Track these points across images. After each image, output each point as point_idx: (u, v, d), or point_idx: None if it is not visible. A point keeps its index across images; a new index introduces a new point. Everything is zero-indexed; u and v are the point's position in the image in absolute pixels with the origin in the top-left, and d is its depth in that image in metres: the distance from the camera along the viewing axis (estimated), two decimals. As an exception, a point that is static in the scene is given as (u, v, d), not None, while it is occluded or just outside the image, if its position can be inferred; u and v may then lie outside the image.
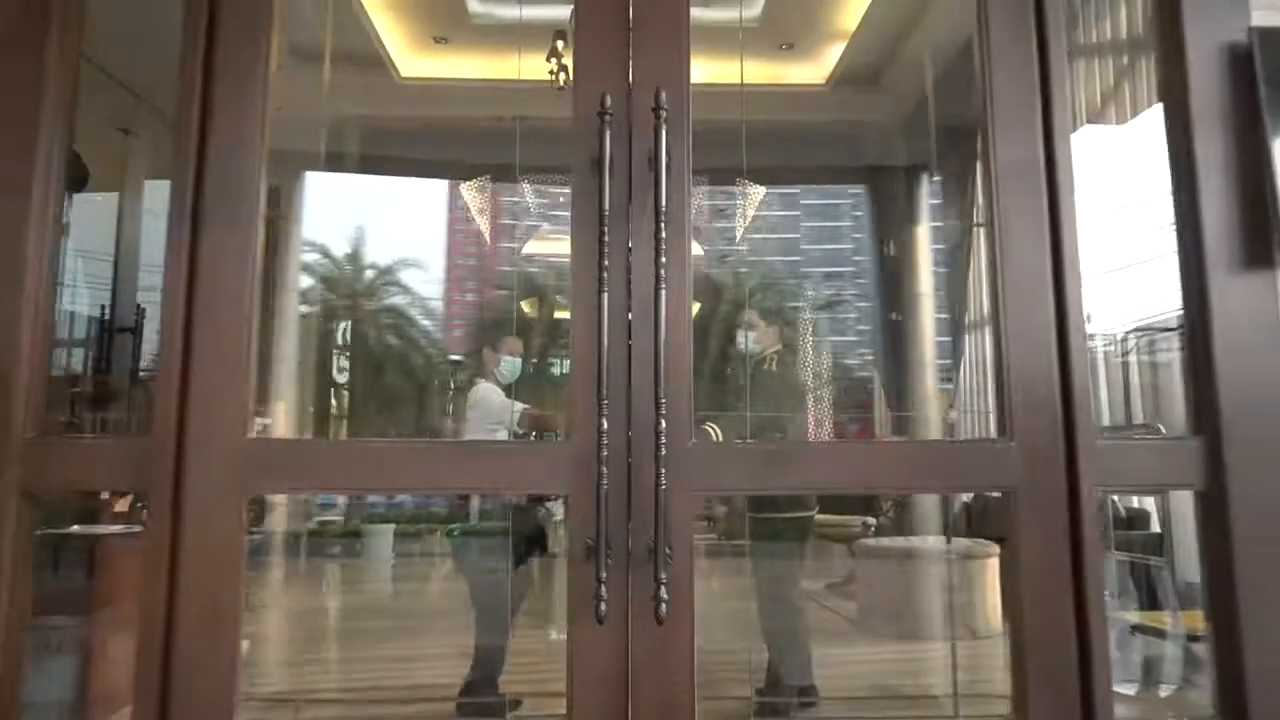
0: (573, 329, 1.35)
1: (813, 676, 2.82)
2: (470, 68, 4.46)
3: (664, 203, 1.32)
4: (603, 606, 1.18)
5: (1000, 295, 1.38)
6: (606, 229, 1.30)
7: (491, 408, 3.30)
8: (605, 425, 1.24)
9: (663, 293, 1.31)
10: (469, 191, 4.75)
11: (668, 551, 1.25)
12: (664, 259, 1.31)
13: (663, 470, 1.25)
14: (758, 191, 6.03)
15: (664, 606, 1.21)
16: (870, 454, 1.45)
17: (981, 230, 1.51)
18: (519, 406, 3.34)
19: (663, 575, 1.23)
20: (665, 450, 1.26)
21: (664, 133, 1.33)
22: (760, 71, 4.56)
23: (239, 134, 1.38)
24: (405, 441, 1.46)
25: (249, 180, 1.38)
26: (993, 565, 3.35)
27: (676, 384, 1.32)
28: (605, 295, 1.29)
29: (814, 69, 4.65)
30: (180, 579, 1.26)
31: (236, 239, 1.36)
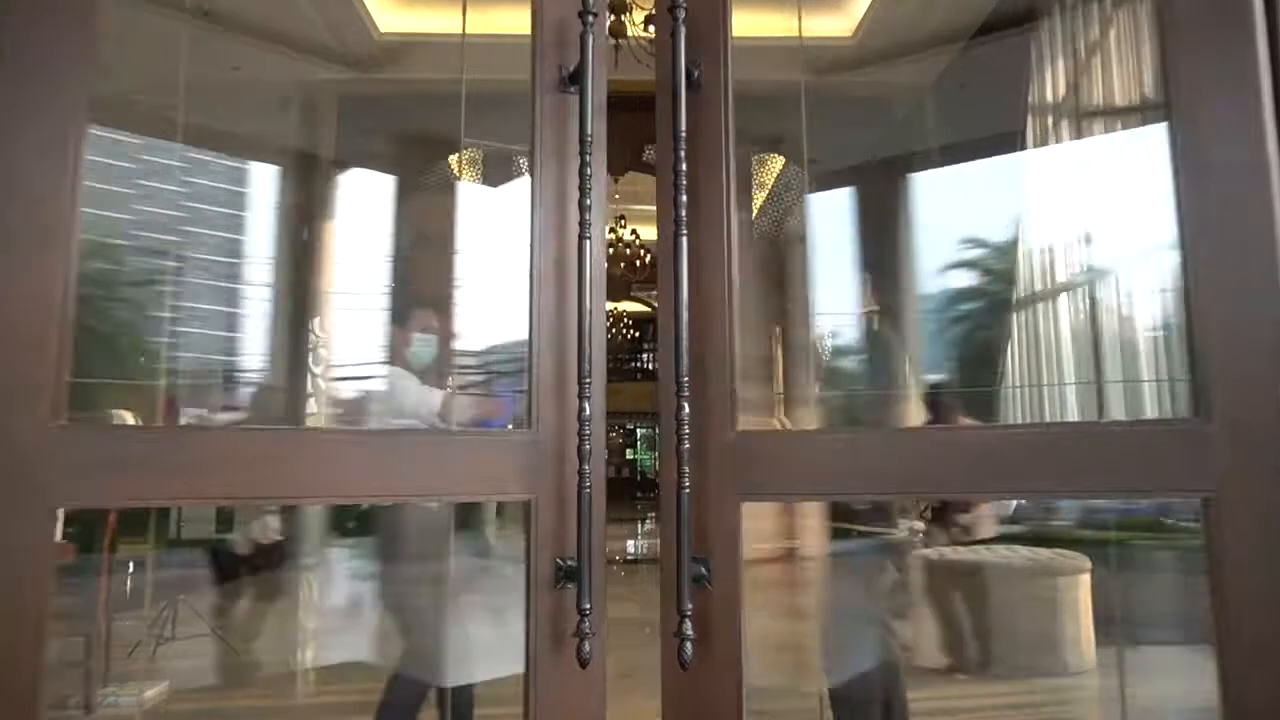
0: (535, 288, 1.16)
1: None
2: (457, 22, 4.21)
3: (682, 127, 1.12)
4: (587, 646, 1.00)
5: (1188, 216, 1.05)
6: (589, 158, 1.11)
7: (406, 397, 2.80)
8: (588, 411, 1.06)
9: (683, 241, 1.11)
10: (457, 166, 4.48)
11: (704, 573, 1.07)
12: (684, 198, 1.11)
13: (686, 469, 1.05)
14: (776, 161, 5.76)
15: (688, 647, 1.01)
16: (995, 444, 1.09)
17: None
18: (439, 395, 2.80)
19: (688, 606, 1.02)
20: (689, 443, 1.06)
21: (682, 37, 1.12)
22: (777, 23, 4.31)
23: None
24: (302, 431, 1.17)
25: (62, 68, 1.08)
26: (1083, 583, 3.01)
27: (712, 356, 1.13)
28: (589, 244, 1.10)
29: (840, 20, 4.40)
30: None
31: (47, 153, 1.06)
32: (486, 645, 2.49)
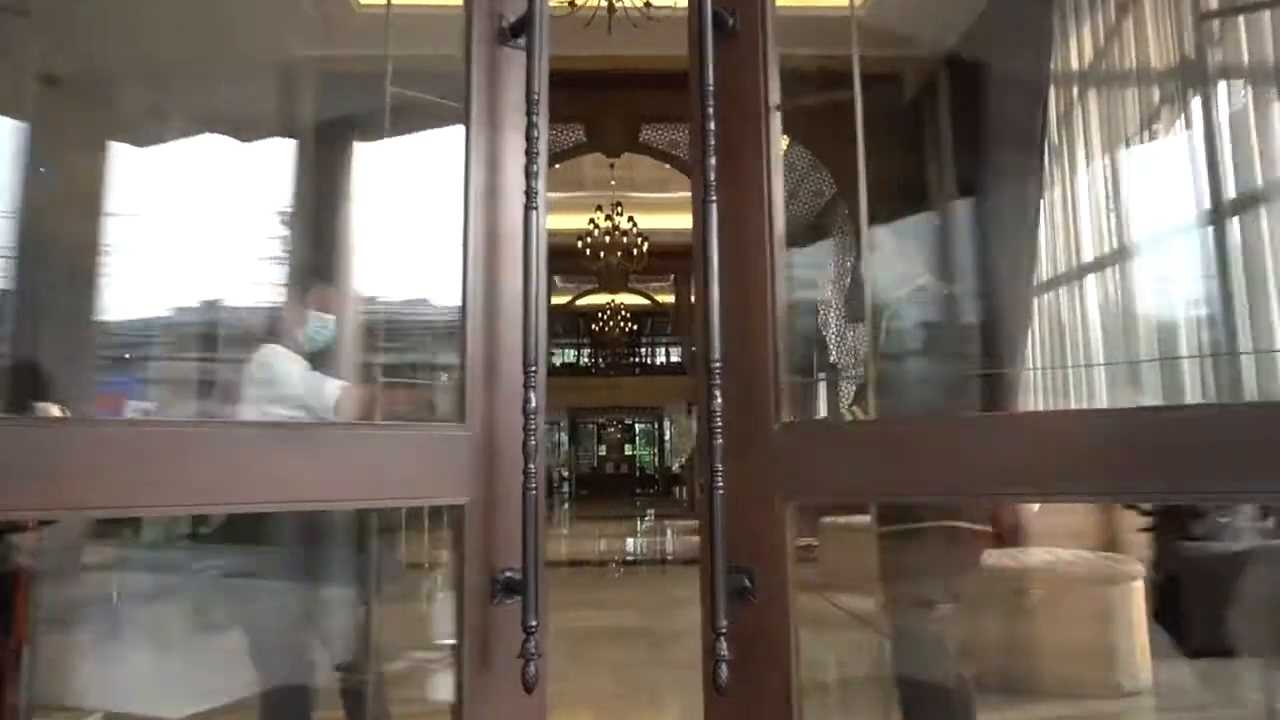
0: (468, 264, 1.08)
1: None
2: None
3: (710, 80, 1.04)
4: (533, 668, 0.94)
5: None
6: (537, 119, 1.03)
7: (289, 382, 2.41)
8: (534, 402, 0.99)
9: (712, 207, 1.03)
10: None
11: (747, 585, 1.00)
12: (713, 160, 1.03)
13: (719, 466, 0.98)
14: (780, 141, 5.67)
15: (724, 669, 0.93)
16: (1113, 431, 0.86)
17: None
18: (336, 385, 2.42)
19: (723, 623, 0.95)
20: (720, 438, 0.98)
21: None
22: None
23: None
24: (196, 426, 1.04)
25: None
26: (1138, 591, 2.89)
27: (751, 338, 1.06)
28: (536, 215, 1.03)
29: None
30: None
31: None
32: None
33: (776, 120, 1.11)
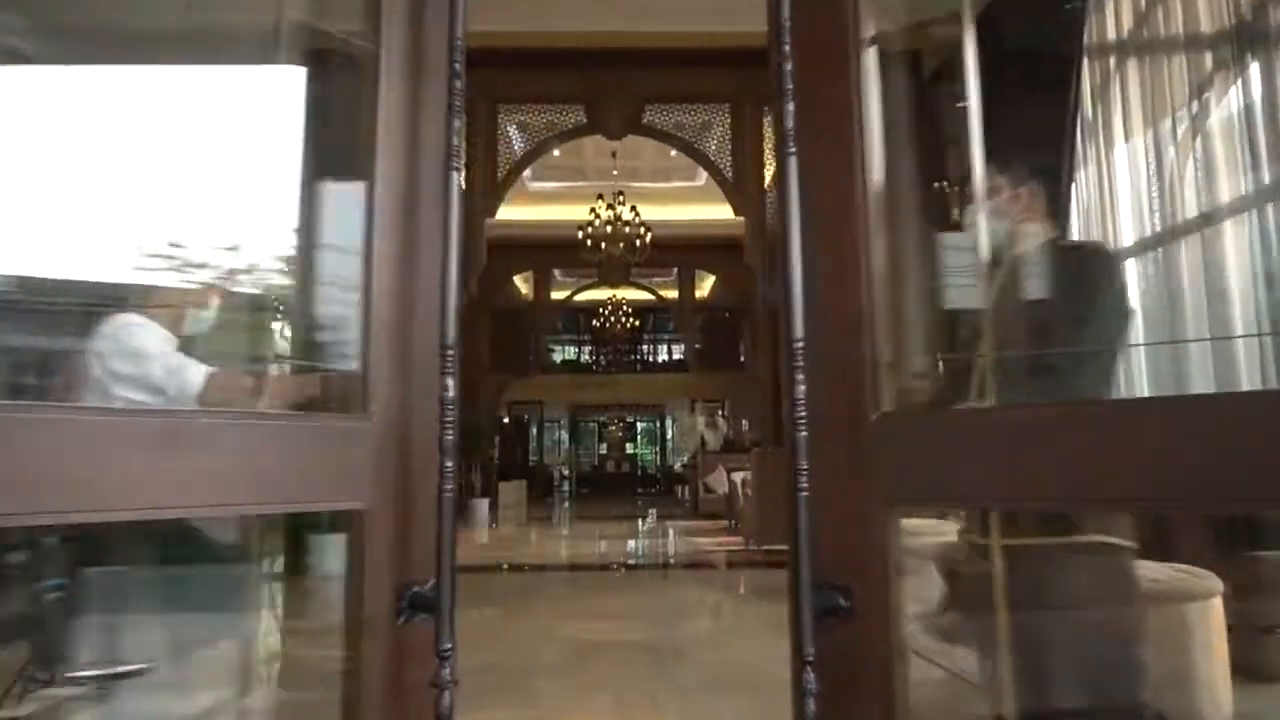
0: (374, 229, 0.97)
1: None
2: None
3: (786, 15, 0.94)
4: (447, 699, 0.85)
5: None
6: (460, 67, 0.94)
7: (147, 360, 2.06)
8: (451, 390, 0.89)
9: (791, 161, 0.92)
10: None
11: (843, 604, 0.87)
12: (790, 105, 0.93)
13: (804, 464, 0.86)
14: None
15: (811, 704, 0.82)
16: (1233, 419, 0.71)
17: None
18: (203, 371, 2.09)
19: (810, 649, 0.84)
20: (805, 430, 0.87)
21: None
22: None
23: None
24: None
25: None
26: (1215, 609, 2.72)
27: (843, 313, 0.93)
28: (457, 176, 0.94)
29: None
30: None
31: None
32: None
33: (871, 57, 0.98)
